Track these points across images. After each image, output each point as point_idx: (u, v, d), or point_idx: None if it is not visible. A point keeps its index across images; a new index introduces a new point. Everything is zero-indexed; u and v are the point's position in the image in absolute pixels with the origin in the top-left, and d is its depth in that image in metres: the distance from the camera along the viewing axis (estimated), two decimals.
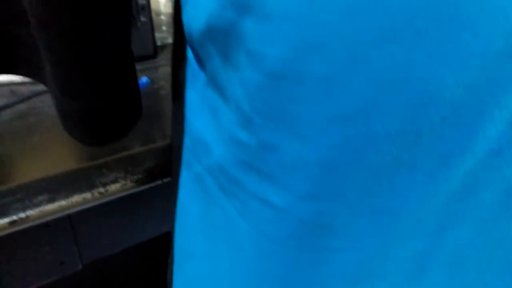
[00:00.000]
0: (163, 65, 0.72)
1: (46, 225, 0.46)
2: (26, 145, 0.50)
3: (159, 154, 0.51)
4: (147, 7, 0.67)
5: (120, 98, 0.28)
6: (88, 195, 0.45)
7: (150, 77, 0.67)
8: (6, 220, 0.41)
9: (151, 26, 0.69)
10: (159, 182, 0.50)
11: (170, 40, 0.78)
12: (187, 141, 0.30)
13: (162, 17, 0.76)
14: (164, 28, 0.77)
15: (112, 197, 0.47)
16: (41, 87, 0.56)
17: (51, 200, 0.44)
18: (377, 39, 0.17)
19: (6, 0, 0.25)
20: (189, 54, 0.28)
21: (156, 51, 0.73)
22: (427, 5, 0.17)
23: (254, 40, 0.19)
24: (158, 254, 0.60)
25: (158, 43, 0.75)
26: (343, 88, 0.18)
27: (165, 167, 0.50)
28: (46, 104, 0.57)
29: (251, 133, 0.22)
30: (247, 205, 0.25)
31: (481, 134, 0.20)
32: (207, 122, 0.26)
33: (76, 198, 0.44)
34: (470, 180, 0.22)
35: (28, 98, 0.58)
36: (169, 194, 0.35)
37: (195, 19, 0.23)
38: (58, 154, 0.49)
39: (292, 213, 0.23)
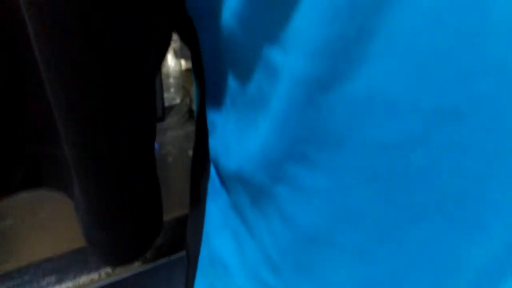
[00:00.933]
0: (171, 128, 0.73)
1: None
2: (35, 218, 0.50)
3: (167, 229, 0.51)
4: (158, 74, 0.69)
5: (147, 224, 0.28)
6: (95, 275, 0.45)
7: (158, 141, 0.68)
8: None
9: (161, 90, 0.71)
10: (166, 259, 0.50)
11: (178, 100, 0.79)
12: (204, 252, 0.30)
13: (171, 80, 0.78)
14: (172, 90, 0.79)
15: (118, 277, 0.47)
16: None
17: (59, 281, 0.43)
18: (408, 219, 0.18)
19: (41, 120, 0.26)
20: (212, 170, 0.28)
21: (164, 113, 0.74)
22: (455, 188, 0.18)
23: (288, 205, 0.20)
24: None
25: (166, 103, 0.76)
26: (372, 257, 0.19)
27: (172, 243, 0.50)
28: None
29: (278, 277, 0.22)
30: None
31: None
32: (229, 246, 0.26)
33: (83, 279, 0.44)
34: None
35: None
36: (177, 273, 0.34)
37: (224, 156, 0.24)
38: (67, 229, 0.49)
39: None
